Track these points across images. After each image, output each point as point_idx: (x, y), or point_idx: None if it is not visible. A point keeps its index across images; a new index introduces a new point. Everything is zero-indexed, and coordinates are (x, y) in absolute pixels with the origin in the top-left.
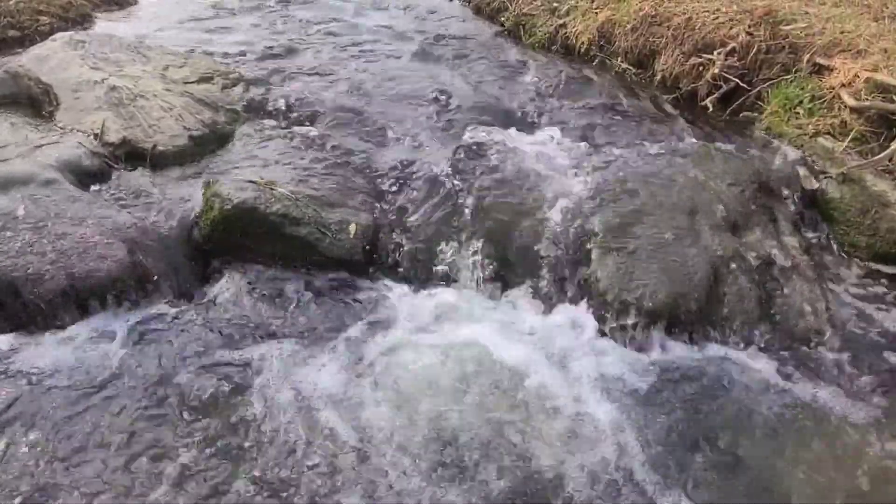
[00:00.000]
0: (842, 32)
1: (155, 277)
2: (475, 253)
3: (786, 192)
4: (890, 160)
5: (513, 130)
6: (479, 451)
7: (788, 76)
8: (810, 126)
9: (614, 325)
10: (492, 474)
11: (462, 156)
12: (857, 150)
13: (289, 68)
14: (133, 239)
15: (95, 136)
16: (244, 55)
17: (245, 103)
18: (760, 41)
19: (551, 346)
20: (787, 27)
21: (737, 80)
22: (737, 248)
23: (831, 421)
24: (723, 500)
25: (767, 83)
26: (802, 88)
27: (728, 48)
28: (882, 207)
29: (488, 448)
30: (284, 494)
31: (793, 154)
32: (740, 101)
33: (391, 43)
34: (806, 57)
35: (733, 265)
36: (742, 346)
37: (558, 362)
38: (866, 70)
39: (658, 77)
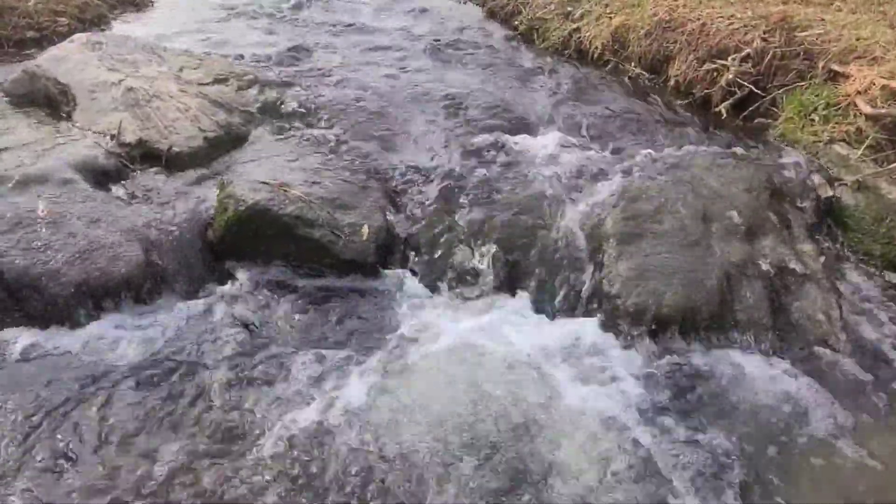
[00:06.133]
0: (857, 39)
1: (169, 277)
2: (487, 256)
3: (800, 198)
4: None
5: (525, 134)
6: (492, 457)
7: (803, 83)
8: (825, 133)
9: (627, 330)
10: (508, 481)
11: (475, 159)
12: (873, 158)
13: (303, 70)
14: (147, 239)
15: (112, 136)
16: (259, 57)
17: (259, 105)
18: (775, 47)
19: (563, 350)
20: (803, 34)
21: (751, 87)
22: (750, 254)
23: (844, 428)
24: None
25: (782, 89)
26: (817, 95)
27: (743, 54)
28: None
29: (503, 455)
30: (304, 500)
31: (807, 161)
32: (754, 107)
33: (405, 46)
34: (821, 63)
35: (747, 272)
36: (755, 352)
37: (571, 366)
38: (882, 77)
39: (672, 82)
